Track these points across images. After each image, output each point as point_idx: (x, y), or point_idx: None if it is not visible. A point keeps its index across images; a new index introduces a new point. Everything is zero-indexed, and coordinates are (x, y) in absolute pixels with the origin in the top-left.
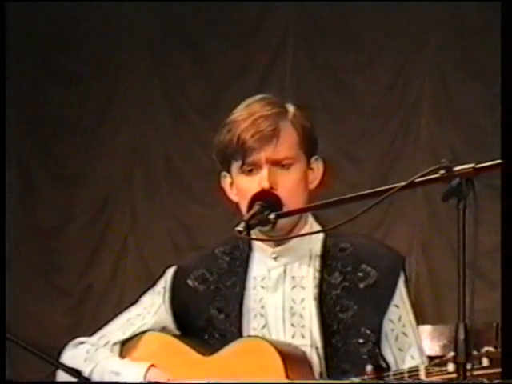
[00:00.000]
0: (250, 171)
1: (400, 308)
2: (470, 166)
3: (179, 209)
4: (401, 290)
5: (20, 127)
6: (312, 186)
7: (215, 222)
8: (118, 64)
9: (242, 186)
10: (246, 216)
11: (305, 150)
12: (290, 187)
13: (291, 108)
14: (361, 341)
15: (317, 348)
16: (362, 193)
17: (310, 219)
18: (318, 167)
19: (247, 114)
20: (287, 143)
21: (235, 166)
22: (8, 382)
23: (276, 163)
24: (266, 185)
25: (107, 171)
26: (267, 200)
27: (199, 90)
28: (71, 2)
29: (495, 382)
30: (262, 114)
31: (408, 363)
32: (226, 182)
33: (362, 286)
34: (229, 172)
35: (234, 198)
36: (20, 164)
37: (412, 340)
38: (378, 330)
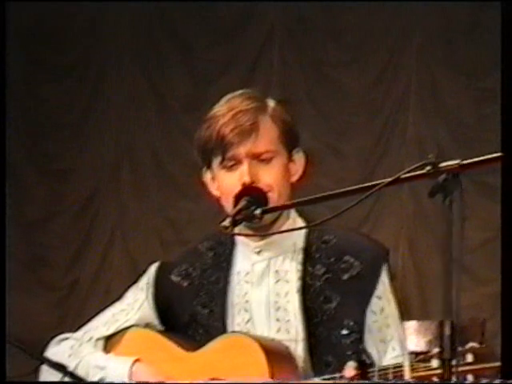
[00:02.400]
0: (231, 166)
1: (382, 300)
2: (457, 161)
3: (166, 204)
4: (384, 281)
5: (5, 121)
6: (294, 178)
7: (202, 217)
8: (104, 59)
9: (223, 181)
10: (232, 211)
11: (285, 144)
12: (271, 181)
13: (271, 103)
14: (344, 332)
15: (300, 341)
16: (348, 188)
17: (293, 213)
18: (299, 159)
19: (226, 109)
20: (267, 137)
21: (216, 161)
22: (8, 382)
23: (256, 157)
24: (246, 179)
25: (94, 166)
26: (253, 195)
27: (185, 85)
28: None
29: (496, 382)
30: (242, 108)
31: (389, 354)
32: (207, 177)
33: (345, 277)
34: (210, 167)
35: (216, 193)
36: (6, 158)
37: (394, 331)
38: (360, 322)
